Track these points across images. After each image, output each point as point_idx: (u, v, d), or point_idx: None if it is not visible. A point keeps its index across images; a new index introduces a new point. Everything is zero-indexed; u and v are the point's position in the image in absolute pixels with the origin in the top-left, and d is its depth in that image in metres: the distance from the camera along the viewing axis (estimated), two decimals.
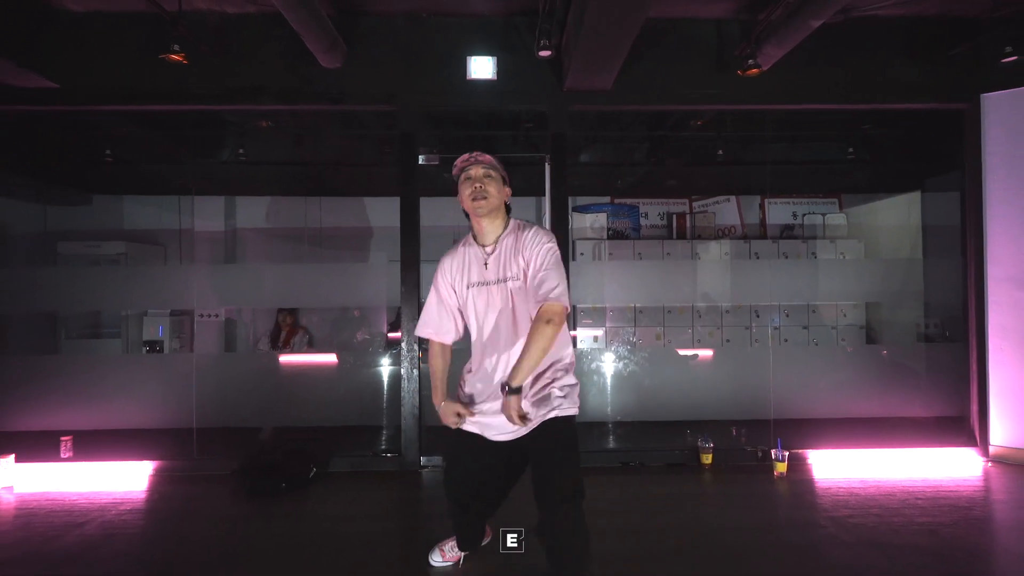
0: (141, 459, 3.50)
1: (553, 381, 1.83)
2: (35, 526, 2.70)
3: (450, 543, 2.22)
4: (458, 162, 1.90)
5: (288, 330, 5.06)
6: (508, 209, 1.95)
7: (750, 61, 3.19)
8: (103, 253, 5.00)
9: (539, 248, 1.79)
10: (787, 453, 3.39)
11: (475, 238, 1.93)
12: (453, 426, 1.88)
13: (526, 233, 1.85)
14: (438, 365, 1.98)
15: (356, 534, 2.59)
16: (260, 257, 5.54)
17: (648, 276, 4.33)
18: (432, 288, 1.99)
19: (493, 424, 1.88)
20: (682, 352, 4.42)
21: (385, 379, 4.09)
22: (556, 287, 1.72)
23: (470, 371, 1.98)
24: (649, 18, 2.78)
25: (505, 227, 1.90)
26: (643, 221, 5.43)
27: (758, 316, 4.96)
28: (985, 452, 3.57)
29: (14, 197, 4.73)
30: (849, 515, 2.75)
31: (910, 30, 3.51)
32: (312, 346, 4.98)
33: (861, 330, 4.94)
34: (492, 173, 1.87)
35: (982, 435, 3.58)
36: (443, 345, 2.00)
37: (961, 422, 3.70)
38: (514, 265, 1.83)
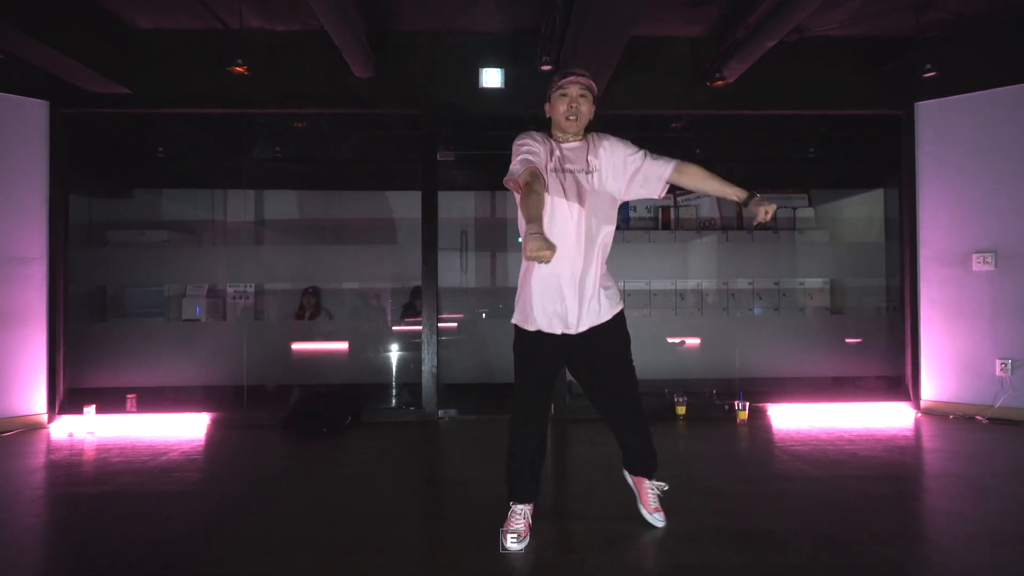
0: (199, 411, 4.11)
1: (607, 284, 2.07)
2: (111, 462, 3.30)
3: (511, 521, 2.01)
4: (557, 79, 2.00)
5: (312, 310, 5.65)
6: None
7: (717, 75, 3.82)
8: (148, 240, 5.59)
9: (626, 147, 2.04)
10: (748, 404, 4.02)
11: (554, 138, 2.04)
12: (546, 259, 1.65)
13: (604, 141, 2.05)
14: (542, 193, 1.84)
15: (388, 469, 3.20)
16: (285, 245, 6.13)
17: (632, 257, 4.95)
18: (524, 144, 1.95)
19: (562, 315, 1.96)
20: (670, 340, 4.91)
21: (397, 345, 4.70)
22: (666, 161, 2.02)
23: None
24: (633, 36, 3.39)
25: (584, 137, 2.06)
26: (632, 213, 6.03)
27: (734, 297, 5.58)
28: (917, 405, 4.21)
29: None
30: (793, 446, 3.38)
31: (854, 47, 4.15)
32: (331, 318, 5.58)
33: (827, 310, 5.57)
34: (587, 93, 1.98)
35: (915, 391, 4.22)
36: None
37: (899, 381, 4.34)
38: (594, 160, 1.99)
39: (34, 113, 3.99)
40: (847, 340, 4.65)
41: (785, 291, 5.53)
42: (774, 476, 2.86)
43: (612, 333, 2.06)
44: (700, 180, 2.02)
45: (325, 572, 1.87)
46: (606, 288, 2.06)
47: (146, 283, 5.41)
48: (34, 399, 4.01)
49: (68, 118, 4.10)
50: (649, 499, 2.16)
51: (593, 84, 2.01)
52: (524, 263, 2.03)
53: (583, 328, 2.00)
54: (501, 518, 2.06)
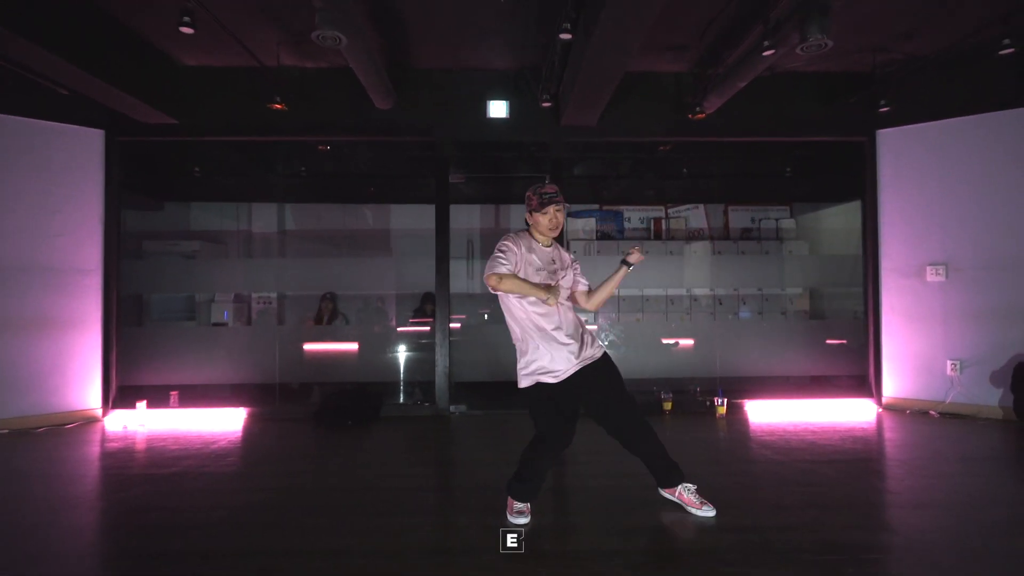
0: (236, 407, 4.60)
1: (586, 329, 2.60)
2: (170, 449, 3.80)
3: (516, 505, 2.44)
4: (546, 194, 2.41)
5: (329, 314, 6.15)
6: None
7: (697, 108, 4.32)
8: (180, 250, 6.09)
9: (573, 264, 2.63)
10: (726, 400, 4.51)
11: (534, 239, 2.51)
12: (557, 300, 2.37)
13: (563, 254, 2.60)
14: (519, 278, 2.36)
15: (408, 455, 3.70)
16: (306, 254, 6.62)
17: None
18: (504, 250, 2.39)
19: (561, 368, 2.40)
20: (664, 340, 5.36)
21: (408, 347, 5.18)
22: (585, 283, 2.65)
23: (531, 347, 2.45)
24: (625, 72, 3.86)
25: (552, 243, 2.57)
26: (626, 224, 6.52)
27: (721, 304, 6.06)
28: (879, 402, 4.69)
29: None
30: (762, 436, 3.87)
31: (820, 81, 4.65)
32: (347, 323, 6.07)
33: (806, 315, 6.05)
34: (560, 209, 2.45)
35: (877, 389, 4.71)
36: None
37: (864, 379, 4.82)
38: (560, 261, 2.54)
39: (92, 142, 4.49)
40: (824, 342, 5.13)
41: (768, 297, 6.02)
42: (741, 460, 3.35)
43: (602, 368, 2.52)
44: (598, 296, 2.66)
45: (361, 533, 2.36)
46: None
47: (178, 290, 5.91)
48: (90, 395, 4.51)
49: (121, 145, 4.60)
50: (692, 499, 2.51)
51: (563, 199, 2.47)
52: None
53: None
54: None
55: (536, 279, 2.40)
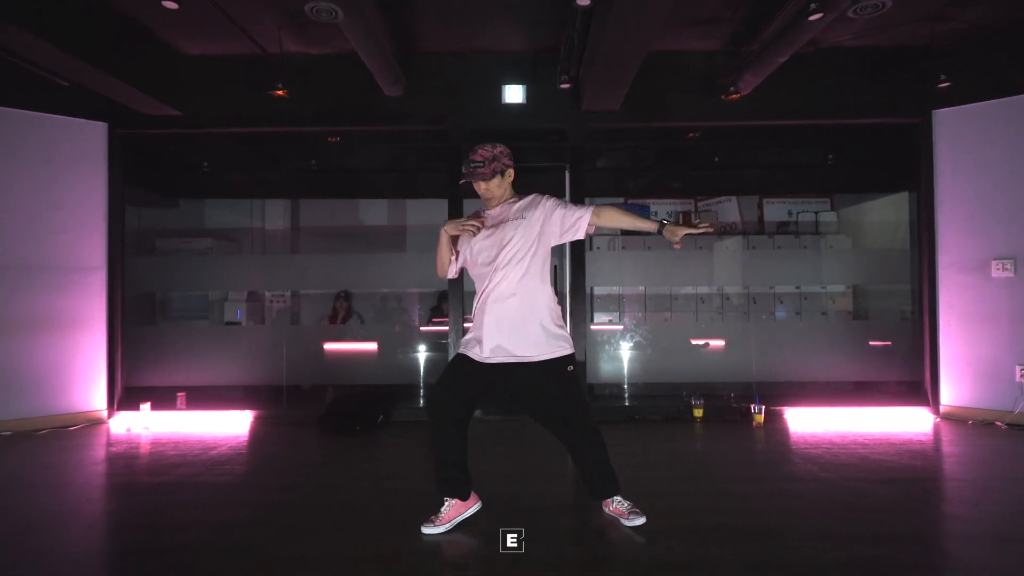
0: (243, 409, 4.41)
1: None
2: (167, 455, 3.61)
3: (440, 510, 2.27)
4: (469, 164, 2.26)
5: (343, 313, 5.95)
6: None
7: (732, 88, 3.94)
8: (193, 248, 5.97)
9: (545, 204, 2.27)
10: (764, 407, 4.12)
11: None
12: (456, 231, 2.31)
13: (525, 201, 2.31)
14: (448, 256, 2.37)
15: (414, 462, 3.43)
16: (319, 251, 6.45)
17: (655, 262, 5.07)
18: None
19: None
20: (694, 341, 4.97)
21: (424, 347, 4.93)
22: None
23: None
24: (649, 51, 3.53)
25: (510, 197, 2.33)
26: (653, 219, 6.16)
27: (755, 303, 5.65)
28: (936, 411, 4.24)
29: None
30: (805, 448, 3.48)
31: (868, 57, 4.21)
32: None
33: (848, 315, 5.59)
34: (492, 181, 2.25)
35: (934, 396, 4.26)
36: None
37: (918, 386, 4.37)
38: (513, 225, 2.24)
39: (94, 135, 4.36)
40: (869, 344, 4.69)
41: (807, 295, 5.58)
42: (783, 477, 2.98)
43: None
44: (617, 218, 2.24)
45: (363, 552, 2.09)
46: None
47: (191, 288, 5.78)
48: (94, 396, 4.37)
49: (124, 138, 4.46)
50: (622, 510, 2.29)
51: (493, 158, 2.25)
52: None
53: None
54: (513, 506, 2.26)
55: (479, 246, 2.28)
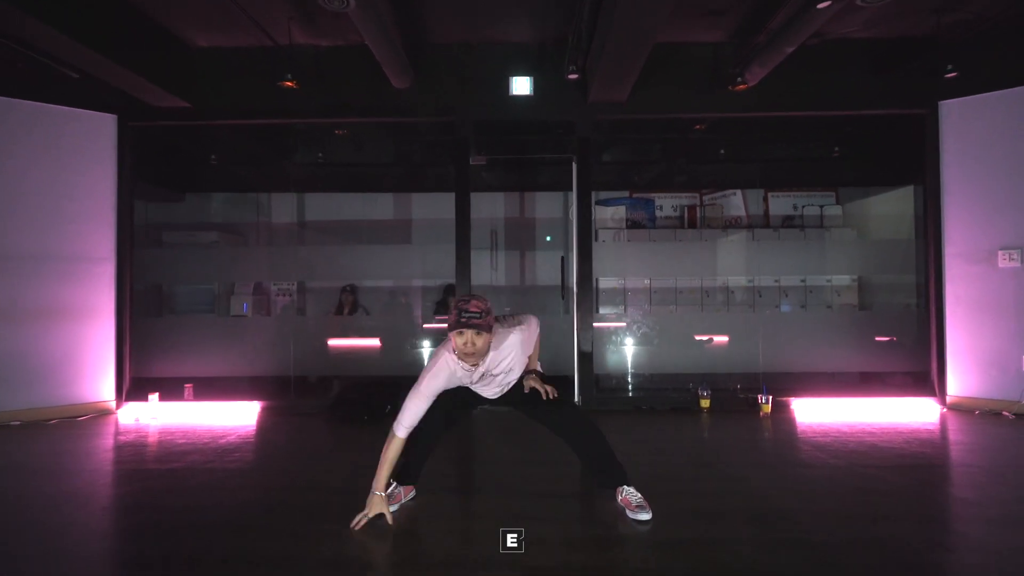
0: (251, 400, 4.43)
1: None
2: (177, 443, 3.62)
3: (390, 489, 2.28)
4: (466, 312, 2.04)
5: (349, 306, 5.96)
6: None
7: (739, 79, 3.95)
8: (199, 241, 5.98)
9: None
10: (771, 398, 4.13)
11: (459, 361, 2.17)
12: (370, 515, 2.12)
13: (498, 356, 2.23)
14: (394, 456, 2.17)
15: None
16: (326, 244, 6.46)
17: (659, 254, 5.08)
18: (421, 395, 2.16)
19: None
20: (698, 337, 4.95)
21: (429, 341, 4.94)
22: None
23: None
24: (656, 43, 3.55)
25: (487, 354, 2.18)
26: (658, 213, 6.17)
27: (760, 296, 5.66)
28: (943, 401, 4.25)
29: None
30: (814, 437, 3.49)
31: (874, 48, 4.22)
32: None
33: (854, 308, 5.59)
34: (480, 333, 2.06)
35: (940, 387, 4.27)
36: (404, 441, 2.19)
37: (924, 376, 4.38)
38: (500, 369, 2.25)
39: (104, 126, 4.37)
40: (875, 337, 4.69)
41: (812, 288, 5.59)
42: (793, 463, 3.00)
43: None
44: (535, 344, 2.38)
45: (370, 537, 2.11)
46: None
47: (198, 281, 5.79)
48: (103, 387, 4.39)
49: (134, 130, 4.47)
50: (630, 500, 2.26)
51: (484, 313, 2.08)
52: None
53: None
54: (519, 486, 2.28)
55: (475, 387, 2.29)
